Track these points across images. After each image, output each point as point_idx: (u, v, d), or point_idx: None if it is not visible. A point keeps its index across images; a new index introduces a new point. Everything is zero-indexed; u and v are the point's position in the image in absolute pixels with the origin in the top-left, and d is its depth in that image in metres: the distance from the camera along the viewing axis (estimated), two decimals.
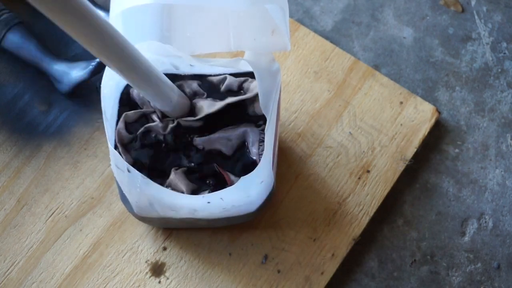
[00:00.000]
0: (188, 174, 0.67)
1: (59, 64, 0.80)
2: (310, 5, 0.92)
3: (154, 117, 0.68)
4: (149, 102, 0.68)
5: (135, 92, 0.69)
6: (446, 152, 0.83)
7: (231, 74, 0.70)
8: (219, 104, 0.67)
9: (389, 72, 0.87)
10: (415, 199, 0.80)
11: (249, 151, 0.67)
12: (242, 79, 0.70)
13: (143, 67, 0.56)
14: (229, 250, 0.75)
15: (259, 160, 0.66)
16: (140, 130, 0.67)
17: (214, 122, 0.68)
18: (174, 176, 0.65)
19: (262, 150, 0.66)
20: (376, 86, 0.83)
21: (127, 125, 0.68)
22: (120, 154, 0.66)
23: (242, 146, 0.68)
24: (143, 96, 0.64)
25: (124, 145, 0.67)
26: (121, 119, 0.67)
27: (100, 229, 0.76)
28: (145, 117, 0.69)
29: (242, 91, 0.70)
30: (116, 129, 0.67)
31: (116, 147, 0.67)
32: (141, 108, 0.69)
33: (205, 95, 0.69)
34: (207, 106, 0.67)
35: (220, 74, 0.70)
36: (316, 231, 0.75)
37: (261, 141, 0.67)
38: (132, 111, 0.68)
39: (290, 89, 0.83)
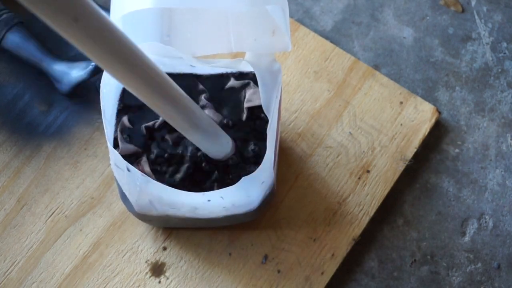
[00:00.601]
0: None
1: (59, 64, 0.80)
2: (310, 5, 0.92)
3: None
4: None
5: None
6: (446, 152, 0.83)
7: (232, 75, 0.70)
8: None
9: (389, 72, 0.87)
10: (415, 199, 0.80)
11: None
12: (244, 82, 0.70)
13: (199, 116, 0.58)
14: (229, 250, 0.75)
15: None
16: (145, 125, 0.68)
17: None
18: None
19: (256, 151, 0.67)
20: (376, 86, 0.83)
21: (131, 117, 0.68)
22: (119, 145, 0.66)
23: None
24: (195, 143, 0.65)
25: (124, 135, 0.67)
26: (125, 117, 0.68)
27: (100, 229, 0.76)
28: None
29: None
30: (118, 122, 0.68)
31: (116, 138, 0.67)
32: None
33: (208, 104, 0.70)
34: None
35: (222, 74, 0.70)
36: (316, 231, 0.75)
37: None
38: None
39: (290, 89, 0.83)
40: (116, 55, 0.43)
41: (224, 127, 0.67)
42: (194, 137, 0.61)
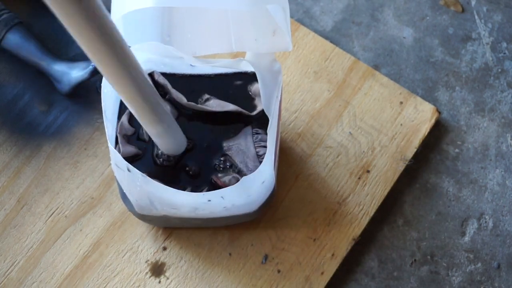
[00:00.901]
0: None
1: (59, 64, 0.80)
2: (310, 5, 0.92)
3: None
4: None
5: None
6: (446, 152, 0.83)
7: (233, 74, 0.70)
8: (232, 107, 0.68)
9: (389, 72, 0.87)
10: (415, 199, 0.80)
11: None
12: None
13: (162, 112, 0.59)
14: (229, 250, 0.75)
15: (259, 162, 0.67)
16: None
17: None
18: None
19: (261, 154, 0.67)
20: (376, 86, 0.83)
21: (130, 118, 0.68)
22: (120, 147, 0.66)
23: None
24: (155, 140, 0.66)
25: (124, 136, 0.67)
26: (126, 112, 0.68)
27: (100, 229, 0.76)
28: None
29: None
30: (119, 122, 0.67)
31: (116, 140, 0.67)
32: None
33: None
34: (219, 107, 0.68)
35: (222, 74, 0.70)
36: (316, 231, 0.75)
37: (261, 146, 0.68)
38: None
39: (290, 89, 0.83)
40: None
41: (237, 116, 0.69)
42: (157, 131, 0.61)
